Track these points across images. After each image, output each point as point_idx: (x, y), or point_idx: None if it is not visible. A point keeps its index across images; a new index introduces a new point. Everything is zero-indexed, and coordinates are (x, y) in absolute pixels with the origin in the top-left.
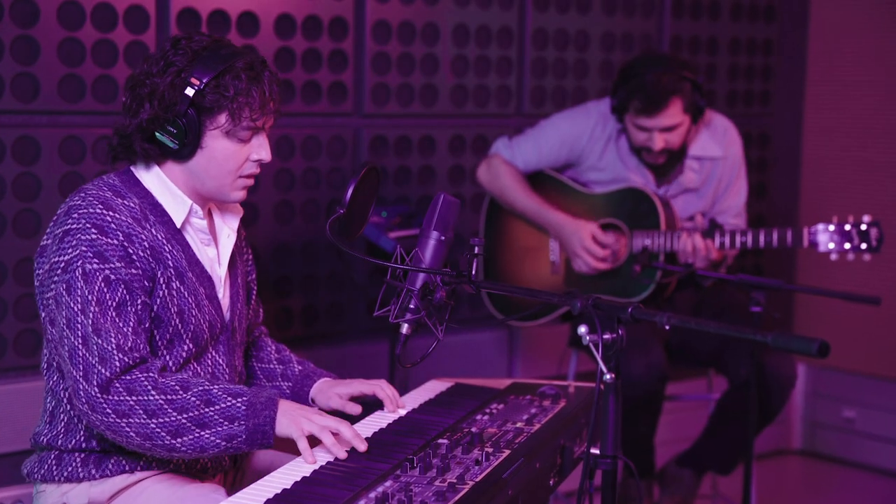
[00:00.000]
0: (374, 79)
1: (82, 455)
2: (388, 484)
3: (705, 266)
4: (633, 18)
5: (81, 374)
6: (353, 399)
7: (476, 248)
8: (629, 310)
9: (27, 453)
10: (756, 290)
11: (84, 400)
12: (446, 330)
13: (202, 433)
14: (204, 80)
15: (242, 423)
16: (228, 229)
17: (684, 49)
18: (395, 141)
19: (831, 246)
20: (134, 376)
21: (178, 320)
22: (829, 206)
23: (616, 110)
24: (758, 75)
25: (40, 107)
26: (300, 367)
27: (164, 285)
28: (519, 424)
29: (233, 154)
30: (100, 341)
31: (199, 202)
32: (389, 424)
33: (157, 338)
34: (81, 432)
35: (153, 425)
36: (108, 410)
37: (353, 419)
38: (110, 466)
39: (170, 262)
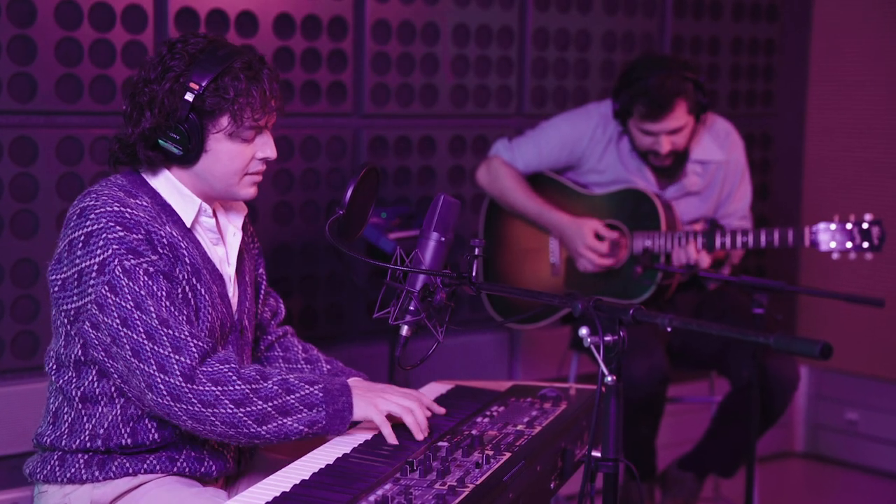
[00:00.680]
0: (374, 79)
1: (86, 456)
2: (387, 487)
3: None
4: (635, 18)
5: (155, 368)
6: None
7: (476, 250)
8: (631, 311)
9: (25, 456)
10: (758, 292)
11: (165, 391)
12: (446, 332)
13: (285, 420)
14: (203, 84)
15: (322, 409)
16: (234, 228)
17: (686, 49)
18: (395, 141)
19: (833, 245)
20: (215, 367)
21: (195, 318)
22: (831, 207)
23: (619, 114)
24: (760, 75)
25: (38, 107)
26: (329, 367)
27: (184, 283)
28: (520, 427)
29: (238, 154)
30: (169, 331)
31: (206, 202)
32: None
33: None
34: (86, 433)
35: (241, 414)
36: (193, 400)
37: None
38: (114, 468)
39: (187, 260)
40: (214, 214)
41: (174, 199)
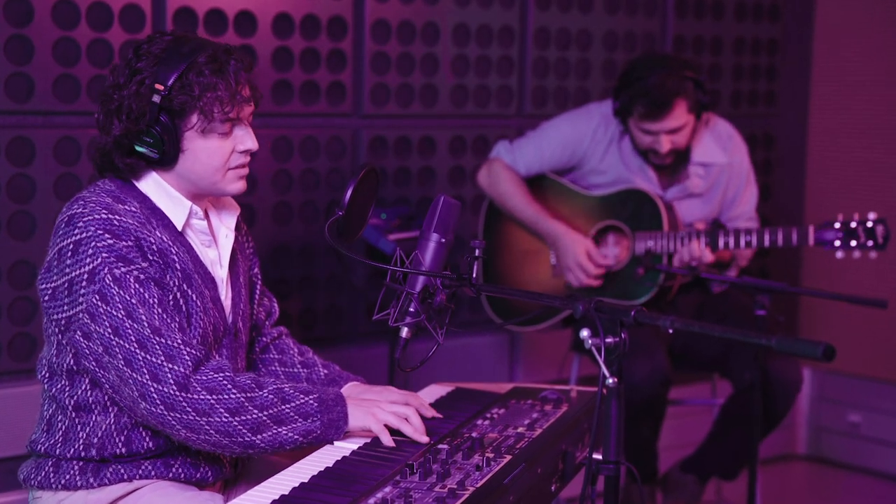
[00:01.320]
0: (374, 79)
1: (80, 463)
2: (387, 490)
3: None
4: (636, 18)
5: (148, 377)
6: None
7: (477, 251)
8: (632, 313)
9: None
10: (760, 293)
11: (159, 400)
12: (447, 333)
13: (280, 429)
14: (168, 83)
15: (317, 418)
16: (226, 229)
17: (688, 49)
18: (395, 142)
19: (837, 244)
20: (209, 375)
21: (187, 324)
22: (833, 207)
23: (619, 114)
24: (762, 75)
25: (35, 107)
26: (325, 371)
27: (175, 289)
28: (520, 429)
29: (216, 150)
30: (161, 340)
31: (197, 201)
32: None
33: None
34: (80, 441)
35: (235, 422)
36: (188, 409)
37: None
38: (108, 475)
39: (178, 266)
40: (207, 216)
41: (163, 202)
